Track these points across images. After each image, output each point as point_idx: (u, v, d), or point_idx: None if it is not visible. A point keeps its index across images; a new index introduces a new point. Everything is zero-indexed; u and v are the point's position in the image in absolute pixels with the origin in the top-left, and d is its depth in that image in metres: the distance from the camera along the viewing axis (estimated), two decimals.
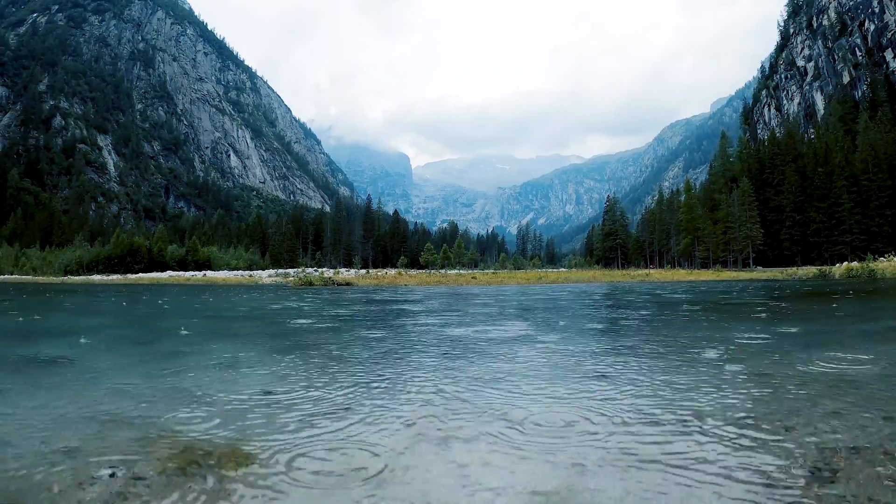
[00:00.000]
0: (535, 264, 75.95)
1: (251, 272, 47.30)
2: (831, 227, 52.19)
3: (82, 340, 4.57)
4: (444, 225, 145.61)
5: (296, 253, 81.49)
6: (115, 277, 39.81)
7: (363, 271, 44.28)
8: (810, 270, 29.72)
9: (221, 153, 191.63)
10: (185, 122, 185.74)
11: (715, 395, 2.29)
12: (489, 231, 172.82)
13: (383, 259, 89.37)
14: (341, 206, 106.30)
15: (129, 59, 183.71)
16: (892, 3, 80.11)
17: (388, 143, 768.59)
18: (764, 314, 6.61)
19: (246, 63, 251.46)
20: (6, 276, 48.48)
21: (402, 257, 68.46)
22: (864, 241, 48.80)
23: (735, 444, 1.63)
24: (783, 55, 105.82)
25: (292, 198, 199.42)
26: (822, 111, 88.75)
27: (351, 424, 1.90)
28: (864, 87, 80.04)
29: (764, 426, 1.83)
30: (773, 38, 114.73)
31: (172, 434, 1.78)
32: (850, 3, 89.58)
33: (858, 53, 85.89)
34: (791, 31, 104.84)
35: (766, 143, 65.60)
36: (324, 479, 1.39)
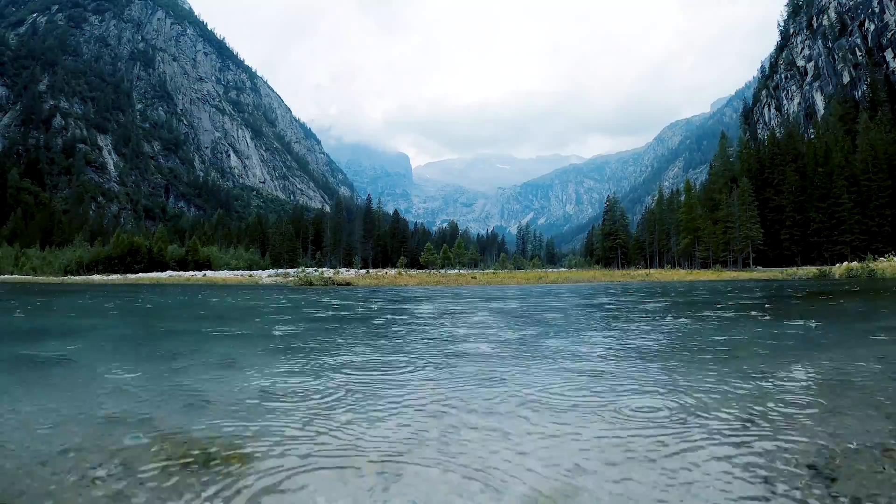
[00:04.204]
0: (535, 264, 75.94)
1: (251, 272, 47.24)
2: (831, 227, 52.16)
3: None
4: (444, 225, 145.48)
5: (296, 253, 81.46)
6: (115, 277, 39.77)
7: (363, 271, 44.25)
8: (810, 270, 29.73)
9: (221, 153, 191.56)
10: (185, 122, 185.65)
11: (713, 394, 2.28)
12: (489, 231, 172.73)
13: (383, 259, 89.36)
14: (341, 206, 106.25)
15: (129, 59, 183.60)
16: (892, 3, 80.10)
17: (388, 143, 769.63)
18: (763, 313, 6.61)
19: (246, 63, 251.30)
20: (6, 276, 48.39)
21: (402, 257, 68.44)
22: (864, 241, 48.77)
23: (734, 443, 1.63)
24: (783, 55, 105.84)
25: (292, 198, 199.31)
26: (822, 111, 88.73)
27: (352, 423, 1.90)
28: (864, 87, 80.00)
29: (763, 425, 1.82)
30: (773, 38, 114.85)
31: (172, 434, 1.78)
32: (850, 3, 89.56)
33: (858, 53, 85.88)
34: (791, 31, 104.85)
35: (766, 143, 65.59)
36: (325, 478, 1.39)
